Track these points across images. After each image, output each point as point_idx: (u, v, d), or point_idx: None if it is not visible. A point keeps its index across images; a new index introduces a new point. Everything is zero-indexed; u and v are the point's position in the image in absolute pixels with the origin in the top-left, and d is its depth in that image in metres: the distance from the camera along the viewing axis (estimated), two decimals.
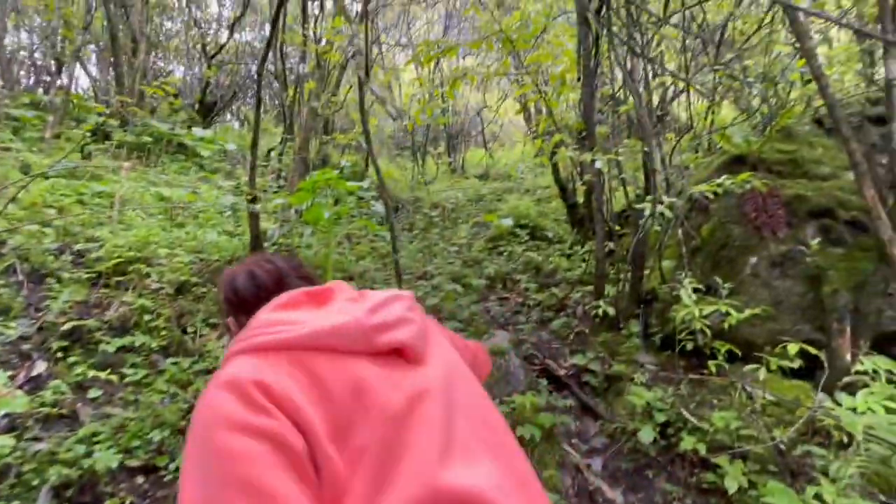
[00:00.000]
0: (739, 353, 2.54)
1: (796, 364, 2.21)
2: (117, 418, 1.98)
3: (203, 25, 9.60)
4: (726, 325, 2.52)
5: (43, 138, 4.86)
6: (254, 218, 3.23)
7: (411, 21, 10.75)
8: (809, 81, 3.24)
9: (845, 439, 1.85)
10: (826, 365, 2.34)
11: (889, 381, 2.05)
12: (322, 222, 3.49)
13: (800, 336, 2.55)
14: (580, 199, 5.04)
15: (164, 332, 2.66)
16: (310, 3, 6.48)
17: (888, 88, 2.36)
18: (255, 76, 3.41)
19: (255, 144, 3.33)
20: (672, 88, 5.22)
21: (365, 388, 0.59)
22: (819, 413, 2.07)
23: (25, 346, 2.23)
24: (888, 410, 1.68)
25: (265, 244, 3.46)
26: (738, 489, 1.88)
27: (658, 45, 5.05)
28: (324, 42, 5.95)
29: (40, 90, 7.20)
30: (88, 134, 4.84)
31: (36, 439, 1.77)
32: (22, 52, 8.34)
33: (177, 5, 9.52)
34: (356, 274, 3.89)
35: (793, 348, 2.17)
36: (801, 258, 2.68)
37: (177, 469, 1.85)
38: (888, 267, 2.30)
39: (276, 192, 5.30)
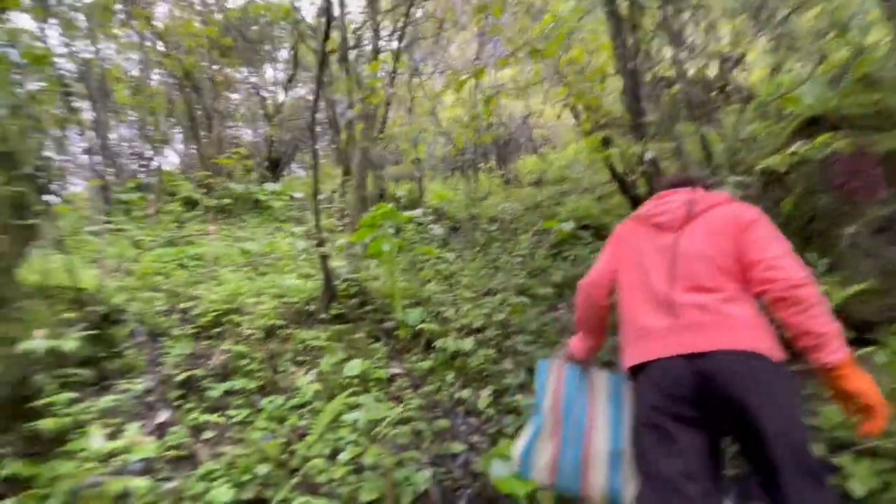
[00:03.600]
0: (852, 336, 2.26)
1: None
2: (228, 456, 2.21)
3: (262, 91, 10.63)
4: (831, 306, 2.26)
5: (147, 215, 5.65)
6: (323, 259, 3.48)
7: (446, 46, 11.06)
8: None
9: None
10: None
11: None
12: (384, 255, 3.67)
13: None
14: (642, 189, 4.80)
15: (258, 374, 2.93)
16: (349, 52, 6.94)
17: None
18: (311, 128, 3.72)
19: (315, 193, 3.62)
20: (732, 57, 4.84)
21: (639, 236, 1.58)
22: None
23: (150, 398, 2.58)
24: None
25: (335, 282, 3.70)
26: (867, 492, 1.66)
27: (706, 16, 4.75)
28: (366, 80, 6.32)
29: (140, 174, 8.39)
30: (182, 205, 5.55)
31: (167, 479, 2.03)
32: (124, 144, 9.80)
33: (238, 77, 10.66)
34: (423, 299, 4.00)
35: None
36: None
37: (282, 500, 2.02)
38: None
39: (341, 230, 5.65)
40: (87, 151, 7.08)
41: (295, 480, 2.15)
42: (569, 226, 5.29)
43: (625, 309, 1.50)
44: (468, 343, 3.18)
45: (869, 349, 2.07)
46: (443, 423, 2.58)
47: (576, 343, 1.76)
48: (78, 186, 8.18)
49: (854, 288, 2.19)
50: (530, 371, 3.00)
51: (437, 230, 6.39)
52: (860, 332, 2.27)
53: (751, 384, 1.20)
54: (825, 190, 2.62)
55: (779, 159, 2.46)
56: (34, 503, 1.62)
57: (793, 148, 2.45)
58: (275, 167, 9.83)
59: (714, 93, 4.75)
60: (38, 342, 1.98)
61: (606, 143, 4.69)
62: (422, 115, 7.62)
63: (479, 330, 3.55)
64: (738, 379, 1.21)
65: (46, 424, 1.84)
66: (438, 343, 3.21)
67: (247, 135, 11.96)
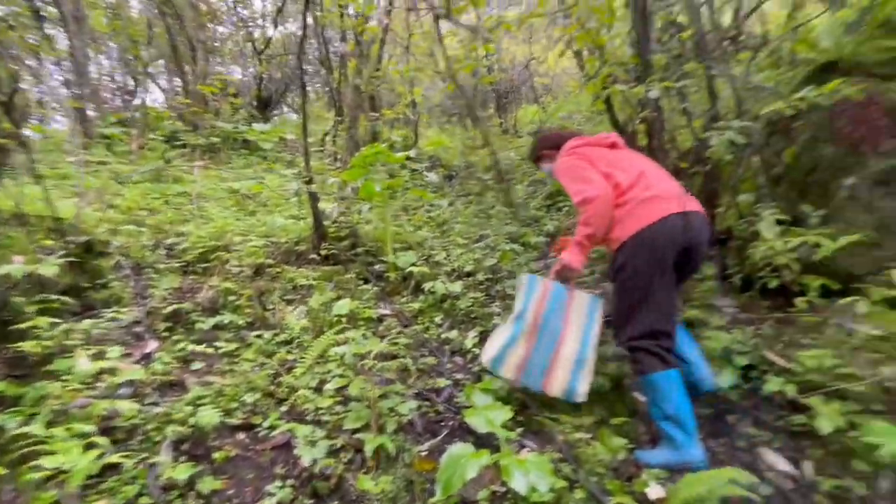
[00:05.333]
0: (835, 288, 2.28)
1: None
2: (217, 385, 2.24)
3: (250, 24, 9.99)
4: (818, 258, 2.26)
5: (131, 151, 5.44)
6: (312, 199, 3.40)
7: None
8: None
9: None
10: None
11: None
12: (376, 197, 3.59)
13: None
14: (643, 142, 4.67)
15: (247, 310, 2.94)
16: None
17: None
18: (299, 63, 3.50)
19: (305, 129, 3.47)
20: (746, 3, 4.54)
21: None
22: None
23: (137, 329, 2.58)
24: None
25: (325, 222, 3.64)
26: (833, 430, 1.72)
27: None
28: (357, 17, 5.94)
29: (123, 108, 8.01)
30: (166, 142, 5.34)
31: (154, 404, 2.07)
32: (104, 77, 9.28)
33: (224, 8, 9.96)
34: (415, 244, 3.97)
35: None
36: None
37: (270, 427, 2.07)
38: None
39: (332, 173, 5.51)
40: (66, 84, 6.71)
41: (283, 409, 2.21)
42: None
43: (628, 195, 1.95)
44: (457, 286, 3.19)
45: (850, 299, 2.09)
46: (429, 360, 2.63)
47: (578, 258, 2.01)
48: (59, 124, 7.83)
49: (844, 240, 2.17)
50: None
51: (432, 177, 6.27)
52: (844, 284, 2.29)
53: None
54: (830, 140, 2.54)
55: (784, 104, 2.36)
56: (21, 419, 1.64)
57: (801, 94, 2.34)
58: (265, 107, 9.44)
59: (726, 42, 4.50)
60: (15, 266, 1.93)
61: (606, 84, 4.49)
62: (419, 56, 7.25)
63: (469, 274, 3.56)
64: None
65: (29, 346, 1.83)
66: (428, 286, 3.22)
67: (235, 73, 11.37)
